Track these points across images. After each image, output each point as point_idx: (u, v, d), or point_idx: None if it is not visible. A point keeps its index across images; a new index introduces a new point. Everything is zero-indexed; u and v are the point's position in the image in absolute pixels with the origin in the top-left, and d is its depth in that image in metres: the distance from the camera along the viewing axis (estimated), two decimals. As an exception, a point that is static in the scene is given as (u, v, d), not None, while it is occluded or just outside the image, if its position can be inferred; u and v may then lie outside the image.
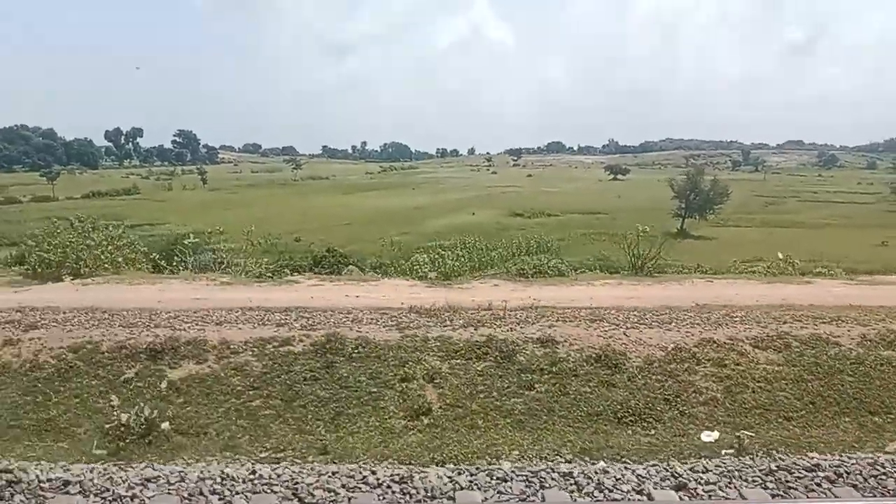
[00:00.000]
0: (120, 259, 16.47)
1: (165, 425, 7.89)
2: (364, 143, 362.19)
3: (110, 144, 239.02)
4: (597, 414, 8.40)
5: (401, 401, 8.56)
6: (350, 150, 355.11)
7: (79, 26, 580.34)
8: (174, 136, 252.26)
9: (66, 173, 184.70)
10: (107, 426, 7.99)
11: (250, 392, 8.65)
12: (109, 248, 16.39)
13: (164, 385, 8.71)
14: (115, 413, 8.05)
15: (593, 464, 7.27)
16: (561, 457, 7.53)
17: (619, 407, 8.50)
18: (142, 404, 8.07)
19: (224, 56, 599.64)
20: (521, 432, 8.05)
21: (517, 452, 7.62)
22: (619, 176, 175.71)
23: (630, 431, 8.15)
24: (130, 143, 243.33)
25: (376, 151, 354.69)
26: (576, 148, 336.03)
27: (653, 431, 8.16)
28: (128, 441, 7.73)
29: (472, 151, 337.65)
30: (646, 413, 8.46)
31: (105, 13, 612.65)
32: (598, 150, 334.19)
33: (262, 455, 7.58)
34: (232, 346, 9.38)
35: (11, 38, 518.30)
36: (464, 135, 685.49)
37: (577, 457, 7.54)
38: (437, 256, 16.00)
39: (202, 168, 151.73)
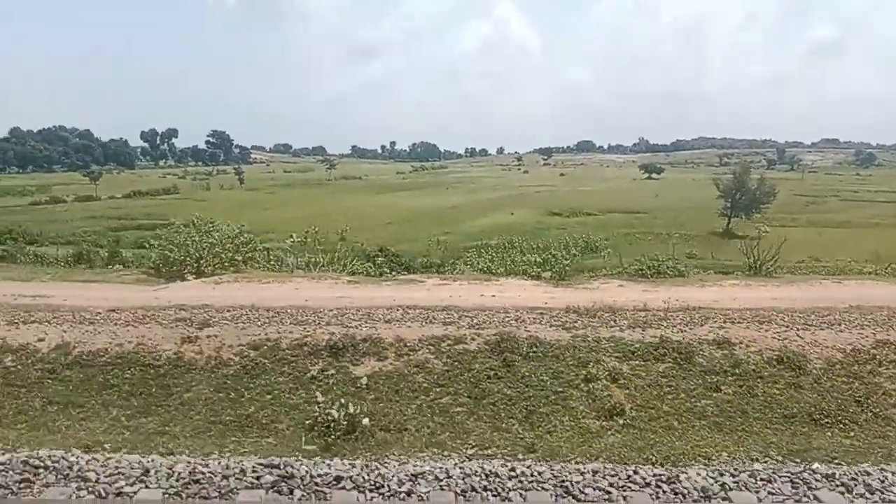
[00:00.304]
0: (239, 258, 16.70)
1: (366, 421, 7.98)
2: (393, 143, 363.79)
3: (146, 145, 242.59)
4: (791, 416, 8.35)
5: (589, 401, 8.58)
6: (379, 150, 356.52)
7: (111, 28, 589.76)
8: (208, 136, 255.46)
9: (105, 173, 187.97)
10: (307, 421, 8.10)
11: (437, 389, 8.73)
12: (228, 246, 16.63)
13: (353, 381, 8.81)
14: (316, 409, 8.15)
15: (809, 464, 7.21)
16: (770, 458, 7.47)
17: (812, 409, 8.44)
18: (342, 400, 8.17)
19: (255, 59, 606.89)
20: (719, 434, 8.02)
21: (725, 454, 7.58)
22: (654, 175, 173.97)
23: (829, 434, 8.08)
24: (166, 144, 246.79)
25: (405, 151, 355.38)
26: (606, 147, 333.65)
27: (851, 434, 8.08)
28: (335, 437, 7.83)
29: (501, 151, 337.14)
30: (840, 415, 8.39)
31: (138, 16, 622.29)
32: (628, 149, 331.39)
33: (469, 452, 7.63)
34: (408, 344, 9.46)
35: (47, 40, 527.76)
36: (492, 134, 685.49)
37: (787, 458, 7.48)
38: (549, 256, 15.90)
39: (239, 168, 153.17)
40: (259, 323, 10.09)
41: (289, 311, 10.70)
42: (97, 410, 8.36)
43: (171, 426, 8.08)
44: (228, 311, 10.69)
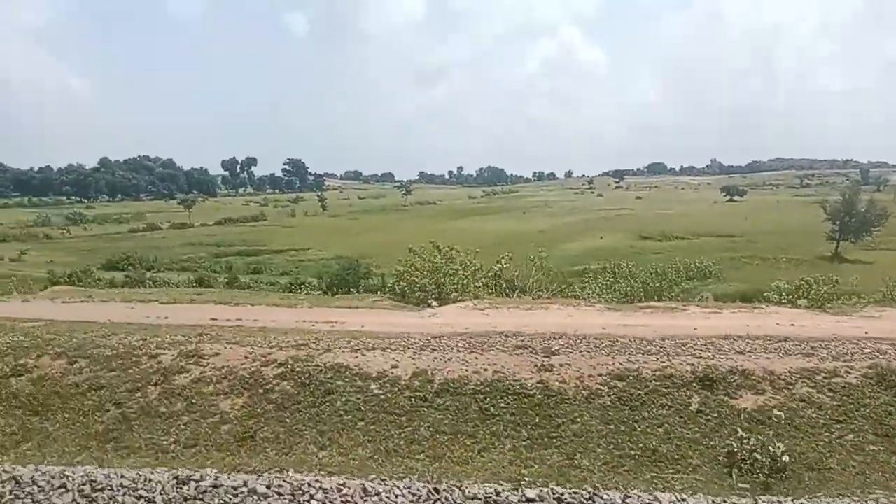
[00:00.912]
0: (479, 284, 16.62)
1: (786, 458, 7.53)
2: (460, 168, 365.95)
3: (226, 173, 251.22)
4: None
5: None
6: (447, 176, 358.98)
7: (188, 62, 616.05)
8: (284, 164, 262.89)
9: (189, 201, 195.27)
10: (719, 458, 7.71)
11: (836, 426, 8.20)
12: (465, 273, 16.57)
13: (740, 415, 8.38)
14: (734, 445, 7.75)
15: None
16: None
17: None
18: (769, 434, 7.77)
19: (324, 87, 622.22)
20: None
21: None
22: (736, 197, 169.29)
23: None
24: (245, 172, 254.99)
25: (472, 176, 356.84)
26: (677, 169, 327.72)
27: None
28: (763, 475, 7.40)
29: (569, 174, 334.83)
30: None
31: (212, 49, 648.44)
32: (700, 171, 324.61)
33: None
34: (781, 377, 8.97)
35: (129, 74, 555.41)
36: (558, 157, 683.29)
37: None
38: (802, 283, 15.28)
39: (322, 195, 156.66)
40: (603, 352, 9.78)
41: (622, 339, 10.38)
42: (491, 441, 8.17)
43: (577, 458, 7.80)
44: (545, 339, 10.44)
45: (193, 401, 8.91)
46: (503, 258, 19.01)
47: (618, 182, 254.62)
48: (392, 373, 9.25)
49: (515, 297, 17.11)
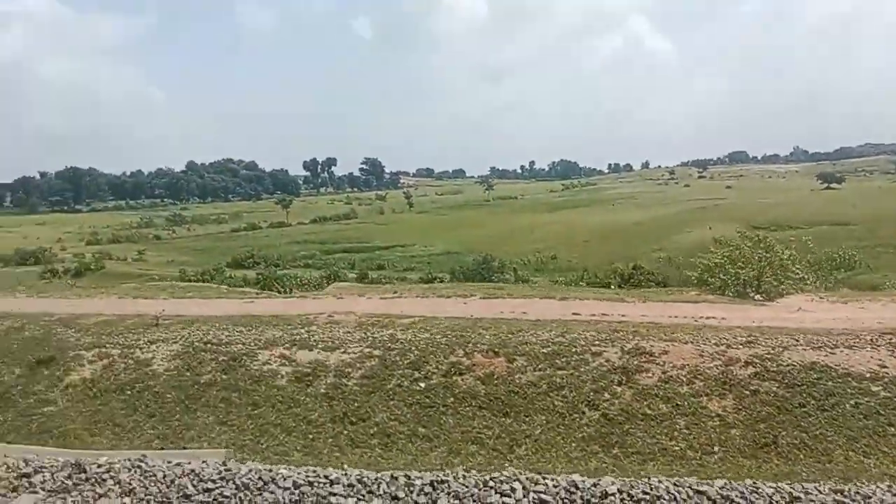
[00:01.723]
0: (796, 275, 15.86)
1: None
2: (532, 163, 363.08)
3: (307, 174, 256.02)
4: None
5: None
6: (519, 170, 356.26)
7: (263, 67, 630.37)
8: (361, 164, 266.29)
9: (287, 201, 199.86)
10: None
11: None
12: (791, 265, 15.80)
13: None
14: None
15: None
16: None
17: None
18: None
19: (393, 88, 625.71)
20: None
21: None
22: (833, 184, 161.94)
23: None
24: (326, 172, 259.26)
25: (544, 170, 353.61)
26: (759, 157, 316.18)
27: None
28: None
29: (646, 165, 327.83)
30: None
31: (287, 54, 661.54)
32: (784, 159, 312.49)
33: None
34: None
35: (205, 80, 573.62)
36: (633, 149, 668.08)
37: None
38: None
39: (409, 192, 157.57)
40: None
41: None
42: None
43: None
44: None
45: (678, 402, 8.47)
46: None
47: (701, 172, 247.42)
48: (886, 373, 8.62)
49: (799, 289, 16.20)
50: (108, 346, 11.76)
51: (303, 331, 11.98)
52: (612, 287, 26.69)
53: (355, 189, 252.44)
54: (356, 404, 8.97)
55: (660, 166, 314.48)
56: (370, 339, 10.92)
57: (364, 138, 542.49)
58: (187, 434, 8.98)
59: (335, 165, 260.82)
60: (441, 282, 38.93)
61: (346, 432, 8.53)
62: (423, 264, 69.89)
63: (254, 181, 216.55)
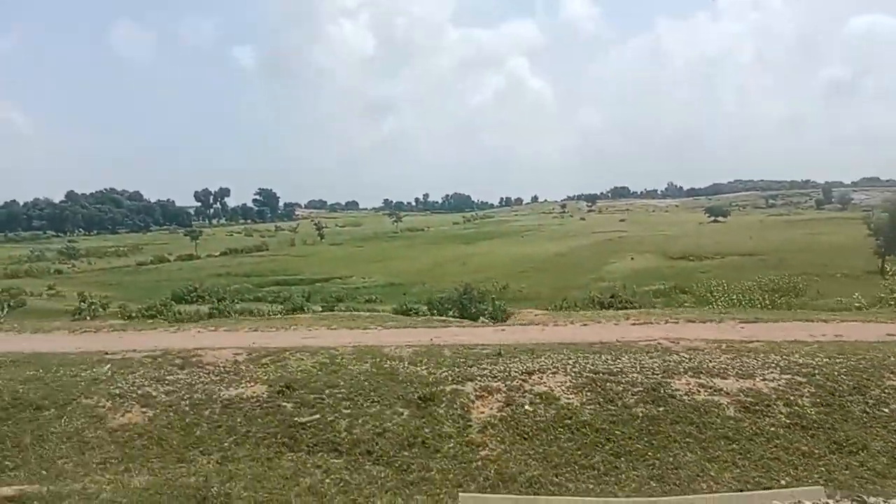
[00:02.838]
0: None
1: None
2: (426, 195, 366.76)
3: (199, 204, 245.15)
4: None
5: None
6: (414, 203, 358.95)
7: (142, 94, 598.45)
8: (255, 194, 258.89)
9: (168, 233, 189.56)
10: None
11: None
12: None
13: None
14: None
15: None
16: None
17: None
18: None
19: (280, 117, 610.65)
20: None
21: None
22: (720, 218, 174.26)
23: None
24: (218, 203, 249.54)
25: (437, 203, 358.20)
26: (639, 192, 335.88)
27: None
28: None
29: (535, 199, 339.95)
30: None
31: (160, 83, 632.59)
32: (659, 194, 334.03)
33: None
34: None
35: (88, 108, 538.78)
36: (520, 183, 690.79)
37: None
38: None
39: (319, 224, 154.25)
40: None
41: None
42: None
43: None
44: None
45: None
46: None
47: (590, 206, 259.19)
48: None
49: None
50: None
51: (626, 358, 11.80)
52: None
53: (249, 220, 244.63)
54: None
55: (546, 200, 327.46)
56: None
57: (252, 170, 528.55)
58: (679, 473, 8.15)
59: (228, 196, 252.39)
60: (418, 314, 37.83)
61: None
62: (371, 296, 68.35)
63: (142, 212, 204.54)
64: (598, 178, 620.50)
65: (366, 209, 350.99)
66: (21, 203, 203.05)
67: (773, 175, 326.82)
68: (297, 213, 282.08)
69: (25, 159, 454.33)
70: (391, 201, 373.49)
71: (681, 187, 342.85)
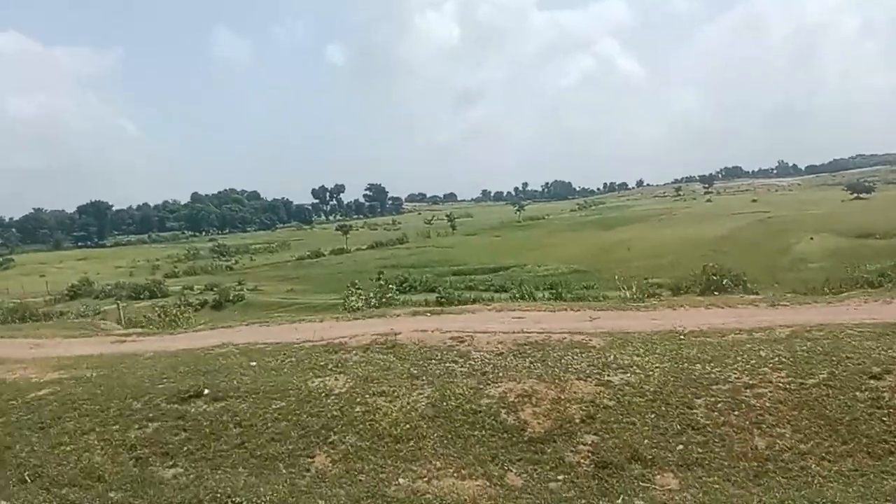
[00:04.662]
0: None
1: None
2: (525, 184, 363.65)
3: (317, 201, 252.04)
4: None
5: None
6: (513, 192, 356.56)
7: (249, 97, 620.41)
8: (366, 189, 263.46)
9: (296, 229, 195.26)
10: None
11: None
12: None
13: None
14: None
15: None
16: None
17: None
18: None
19: (372, 115, 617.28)
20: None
21: None
22: (863, 194, 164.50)
23: None
24: (334, 199, 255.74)
25: (537, 191, 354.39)
26: (751, 172, 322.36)
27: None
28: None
29: (640, 183, 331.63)
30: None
31: (260, 80, 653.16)
32: (774, 173, 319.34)
33: None
34: None
35: (200, 114, 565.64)
36: (621, 168, 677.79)
37: None
38: None
39: (451, 216, 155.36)
40: None
41: None
42: None
43: None
44: None
45: None
46: None
47: (707, 188, 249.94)
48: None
49: None
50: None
51: None
52: None
53: (361, 215, 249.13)
54: None
55: (653, 184, 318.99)
56: None
57: (355, 167, 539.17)
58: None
59: (343, 192, 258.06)
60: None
61: None
62: (562, 283, 66.91)
63: (267, 210, 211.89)
64: (704, 159, 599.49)
65: (465, 200, 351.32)
66: (152, 205, 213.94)
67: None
68: (405, 206, 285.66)
69: (148, 164, 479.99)
70: (489, 192, 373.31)
71: (794, 165, 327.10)
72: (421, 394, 9.09)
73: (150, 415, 9.07)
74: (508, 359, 10.06)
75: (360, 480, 7.65)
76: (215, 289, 69.69)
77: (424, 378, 9.60)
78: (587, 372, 9.52)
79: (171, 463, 8.15)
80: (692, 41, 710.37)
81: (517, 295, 51.82)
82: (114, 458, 8.31)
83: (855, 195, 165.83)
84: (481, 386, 9.24)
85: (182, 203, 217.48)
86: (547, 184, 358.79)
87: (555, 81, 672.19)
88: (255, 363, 10.66)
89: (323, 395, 9.22)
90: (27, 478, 8.06)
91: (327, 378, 9.73)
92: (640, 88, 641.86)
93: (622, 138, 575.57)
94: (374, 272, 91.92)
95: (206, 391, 9.41)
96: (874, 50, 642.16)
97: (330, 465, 7.99)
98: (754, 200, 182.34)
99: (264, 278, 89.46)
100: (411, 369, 9.85)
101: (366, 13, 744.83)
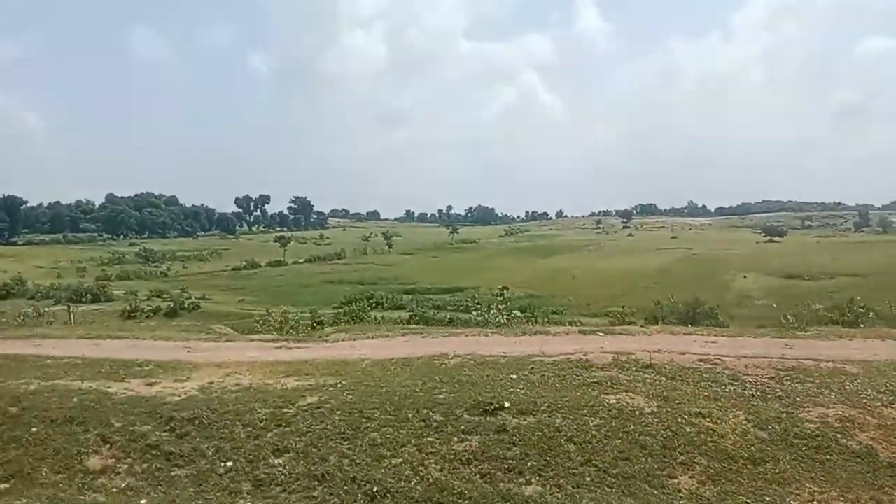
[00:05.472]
0: None
1: None
2: (449, 207, 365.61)
3: (240, 210, 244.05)
4: None
5: None
6: (437, 214, 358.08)
7: (162, 101, 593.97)
8: (290, 202, 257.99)
9: (219, 238, 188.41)
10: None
11: None
12: None
13: None
14: None
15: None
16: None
17: None
18: None
19: (294, 127, 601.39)
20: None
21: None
22: (776, 238, 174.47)
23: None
24: (259, 209, 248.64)
25: (460, 215, 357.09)
26: (663, 210, 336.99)
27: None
28: None
29: (561, 213, 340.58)
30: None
31: (175, 86, 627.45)
32: (685, 212, 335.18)
33: None
34: None
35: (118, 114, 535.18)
36: (541, 198, 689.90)
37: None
38: None
39: (388, 234, 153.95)
40: None
41: None
42: None
43: None
44: None
45: None
46: None
47: (625, 222, 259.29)
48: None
49: None
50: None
51: None
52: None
53: (285, 227, 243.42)
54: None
55: (573, 215, 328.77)
56: None
57: (274, 177, 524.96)
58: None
59: (268, 203, 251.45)
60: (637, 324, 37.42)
61: None
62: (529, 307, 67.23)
63: (189, 217, 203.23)
64: (620, 193, 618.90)
65: (388, 219, 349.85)
66: (64, 204, 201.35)
67: (800, 196, 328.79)
68: (328, 221, 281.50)
69: (57, 161, 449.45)
70: (412, 212, 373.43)
71: (704, 206, 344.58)
72: (736, 416, 8.65)
73: (462, 427, 8.21)
74: (786, 383, 9.76)
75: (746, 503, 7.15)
76: (163, 296, 65.85)
77: (724, 399, 9.16)
78: (882, 400, 9.33)
79: (522, 480, 7.38)
80: (612, 81, 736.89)
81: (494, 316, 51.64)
82: (454, 473, 7.46)
83: (769, 238, 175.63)
84: (790, 410, 8.87)
85: (97, 204, 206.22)
86: (471, 208, 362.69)
87: (479, 109, 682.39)
88: (514, 376, 9.90)
89: (637, 412, 8.62)
90: (376, 494, 7.11)
91: (619, 395, 9.14)
92: (560, 123, 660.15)
93: (543, 168, 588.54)
94: (319, 286, 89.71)
95: (507, 404, 8.63)
96: (778, 102, 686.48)
97: (697, 485, 7.41)
98: (674, 237, 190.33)
99: (204, 287, 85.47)
100: (703, 391, 9.42)
101: (293, 24, 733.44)
